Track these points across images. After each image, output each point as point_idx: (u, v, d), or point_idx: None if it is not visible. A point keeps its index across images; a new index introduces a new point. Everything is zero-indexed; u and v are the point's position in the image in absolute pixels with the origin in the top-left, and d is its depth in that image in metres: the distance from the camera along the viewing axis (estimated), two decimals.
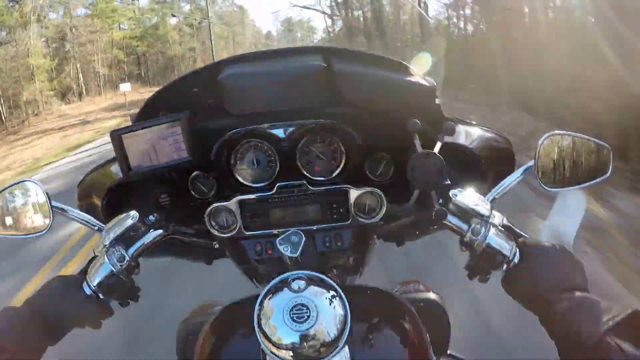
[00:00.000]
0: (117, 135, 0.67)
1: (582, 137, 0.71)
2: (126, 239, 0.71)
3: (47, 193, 0.80)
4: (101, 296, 0.67)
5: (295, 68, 0.63)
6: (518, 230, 0.67)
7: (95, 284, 0.67)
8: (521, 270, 0.62)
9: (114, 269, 0.67)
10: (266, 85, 0.63)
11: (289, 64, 0.64)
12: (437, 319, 0.91)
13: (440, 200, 0.64)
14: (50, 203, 0.79)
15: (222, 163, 0.73)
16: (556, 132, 0.71)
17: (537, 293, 0.59)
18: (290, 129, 0.71)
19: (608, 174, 0.73)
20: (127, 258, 0.69)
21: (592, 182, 0.73)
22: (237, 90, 0.64)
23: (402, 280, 0.81)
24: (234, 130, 0.70)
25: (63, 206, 0.81)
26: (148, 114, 0.71)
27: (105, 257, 0.68)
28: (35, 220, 0.85)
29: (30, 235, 0.85)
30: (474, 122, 0.78)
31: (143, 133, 0.67)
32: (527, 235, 0.66)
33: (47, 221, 0.82)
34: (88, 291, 0.67)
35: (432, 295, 0.95)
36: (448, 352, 0.91)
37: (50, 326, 0.64)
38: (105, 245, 0.70)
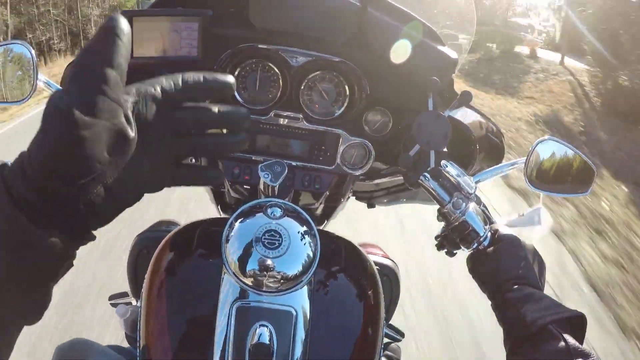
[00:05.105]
0: (127, 17, 0.63)
1: (576, 152, 0.74)
2: None
3: (36, 61, 0.75)
4: None
5: None
6: (492, 218, 0.68)
7: None
8: (487, 254, 0.64)
9: None
10: (297, 4, 0.61)
11: None
12: (389, 287, 0.93)
13: (432, 165, 0.65)
14: (36, 72, 0.74)
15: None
16: (554, 138, 0.73)
17: (496, 279, 0.61)
18: (304, 59, 0.70)
19: (587, 194, 0.76)
20: None
21: (570, 194, 0.76)
22: (266, 1, 0.61)
23: (360, 242, 0.82)
24: (246, 45, 0.68)
25: (48, 80, 0.77)
26: (164, 4, 0.67)
27: None
28: (15, 88, 0.80)
29: (4, 103, 0.80)
30: (475, 107, 0.79)
31: (156, 21, 0.63)
32: (500, 224, 0.68)
33: (27, 91, 0.77)
34: None
35: (389, 263, 0.97)
36: (389, 322, 0.93)
37: None
38: None
